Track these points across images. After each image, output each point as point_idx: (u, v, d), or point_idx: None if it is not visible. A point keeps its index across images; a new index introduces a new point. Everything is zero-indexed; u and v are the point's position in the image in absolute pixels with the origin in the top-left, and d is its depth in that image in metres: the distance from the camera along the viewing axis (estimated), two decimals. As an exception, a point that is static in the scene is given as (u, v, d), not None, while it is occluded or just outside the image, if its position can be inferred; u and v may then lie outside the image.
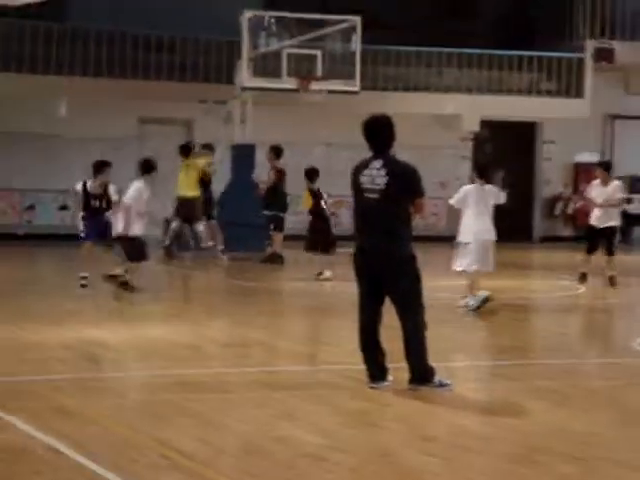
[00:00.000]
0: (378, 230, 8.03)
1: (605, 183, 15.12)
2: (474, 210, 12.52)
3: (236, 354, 9.85)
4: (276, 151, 18.39)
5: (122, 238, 13.51)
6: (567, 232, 25.38)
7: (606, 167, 15.41)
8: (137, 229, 13.51)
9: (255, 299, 14.44)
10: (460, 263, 12.58)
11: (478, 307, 12.37)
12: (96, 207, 13.83)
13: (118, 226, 13.49)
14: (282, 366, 9.25)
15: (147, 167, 13.90)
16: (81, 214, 14.00)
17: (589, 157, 25.89)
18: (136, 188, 13.54)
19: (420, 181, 8.18)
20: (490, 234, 12.59)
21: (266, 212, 18.22)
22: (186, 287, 16.19)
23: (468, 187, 12.87)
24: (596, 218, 15.21)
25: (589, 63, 24.28)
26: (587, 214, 26.34)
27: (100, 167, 13.86)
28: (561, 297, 14.63)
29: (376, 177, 8.04)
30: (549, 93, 24.38)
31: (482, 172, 12.87)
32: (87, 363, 9.22)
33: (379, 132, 8.10)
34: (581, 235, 25.41)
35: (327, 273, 15.55)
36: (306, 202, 16.38)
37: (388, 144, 8.12)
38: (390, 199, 7.99)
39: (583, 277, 15.14)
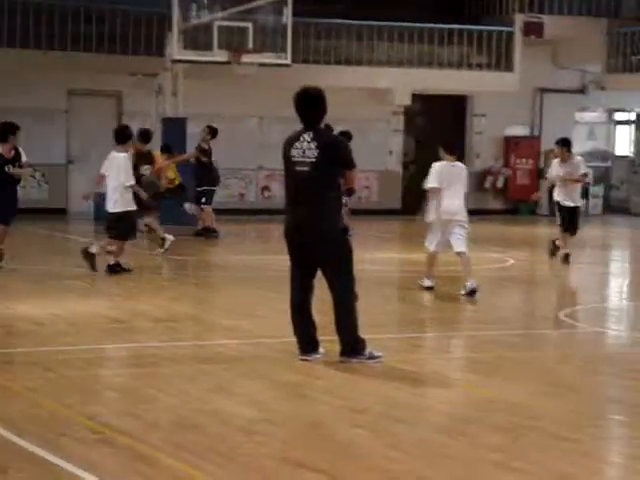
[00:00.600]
0: (309, 203, 8.05)
1: (564, 160, 15.04)
2: (446, 191, 11.70)
3: (167, 328, 9.82)
4: (214, 132, 18.24)
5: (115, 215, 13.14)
6: (497, 205, 25.63)
7: (564, 144, 15.18)
8: (123, 204, 13.09)
9: (187, 273, 14.39)
10: (429, 242, 12.05)
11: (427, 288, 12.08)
12: (9, 174, 13.15)
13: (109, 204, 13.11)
14: (213, 340, 9.24)
15: (124, 136, 13.25)
16: None
17: (519, 130, 26.15)
18: (119, 159, 12.98)
19: (350, 153, 8.21)
20: (461, 214, 11.80)
21: (197, 188, 18.12)
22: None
23: (438, 166, 11.88)
24: (560, 194, 15.11)
25: (519, 37, 24.45)
26: (516, 188, 26.60)
27: (11, 129, 13.18)
28: (491, 269, 14.79)
29: (307, 150, 8.05)
30: (479, 67, 24.52)
31: (451, 148, 11.98)
32: (13, 338, 9.12)
33: (310, 105, 8.10)
34: (510, 208, 25.85)
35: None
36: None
37: (319, 117, 8.13)
38: (320, 171, 8.00)
39: (566, 257, 14.94)
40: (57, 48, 21.03)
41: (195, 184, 18.15)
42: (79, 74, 21.41)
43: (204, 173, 18.12)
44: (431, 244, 12.09)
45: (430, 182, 11.89)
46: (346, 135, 18.51)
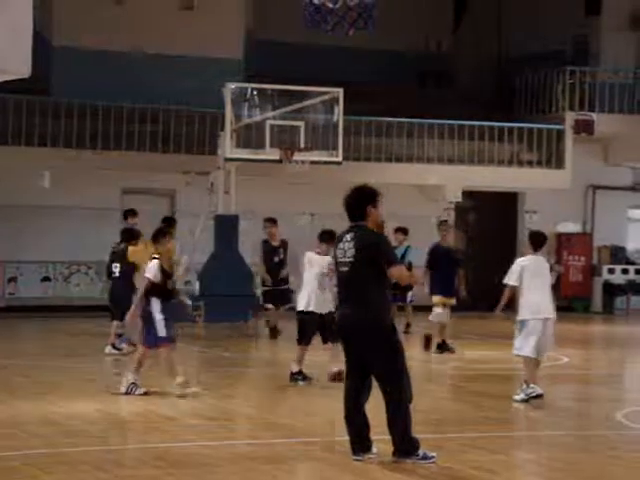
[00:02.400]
0: (351, 301, 8.08)
1: None
2: (531, 285, 11.03)
3: (219, 427, 9.74)
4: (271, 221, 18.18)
5: None
6: (550, 302, 25.38)
7: None
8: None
9: (236, 370, 14.33)
10: (520, 346, 11.18)
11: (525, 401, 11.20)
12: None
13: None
14: (267, 439, 9.15)
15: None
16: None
17: (571, 227, 26.04)
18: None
19: (390, 250, 8.21)
20: (550, 311, 11.17)
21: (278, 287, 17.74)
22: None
23: (523, 261, 11.23)
24: None
25: (569, 134, 24.52)
26: (569, 285, 26.34)
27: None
28: (545, 367, 14.56)
29: (347, 250, 8.11)
30: (530, 164, 24.57)
31: (538, 242, 11.26)
32: (66, 437, 9.09)
33: (353, 203, 8.17)
34: (563, 305, 25.55)
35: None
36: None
37: (361, 216, 8.15)
38: (359, 271, 8.02)
39: None
40: (112, 148, 21.41)
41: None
42: (133, 173, 21.75)
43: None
44: (525, 349, 11.14)
45: (511, 279, 11.18)
46: (402, 231, 18.55)
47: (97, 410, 10.28)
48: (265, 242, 18.03)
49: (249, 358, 15.78)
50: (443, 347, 15.61)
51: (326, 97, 20.12)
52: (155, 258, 11.28)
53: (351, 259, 8.02)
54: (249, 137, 19.96)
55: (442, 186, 23.80)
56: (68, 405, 10.53)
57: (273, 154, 19.56)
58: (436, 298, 15.73)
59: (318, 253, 12.27)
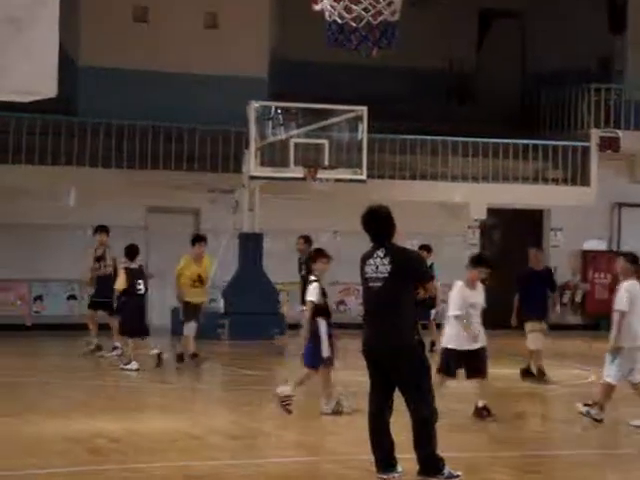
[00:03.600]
0: (383, 318, 8.03)
1: None
2: (634, 310, 10.63)
3: (243, 445, 9.72)
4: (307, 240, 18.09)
5: None
6: (576, 320, 25.25)
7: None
8: None
9: (260, 388, 14.31)
10: (612, 373, 10.73)
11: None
12: None
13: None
14: (290, 457, 9.12)
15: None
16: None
17: (597, 244, 25.90)
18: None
19: (425, 266, 8.27)
20: None
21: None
22: (188, 376, 16.04)
23: (630, 286, 10.84)
24: None
25: (594, 151, 24.43)
26: (595, 303, 26.17)
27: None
28: (573, 386, 14.48)
29: (379, 266, 8.07)
30: (555, 181, 24.48)
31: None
32: (91, 455, 9.10)
33: (379, 224, 8.15)
34: (589, 323, 25.43)
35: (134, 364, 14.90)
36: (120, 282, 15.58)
37: (389, 235, 8.15)
38: (394, 287, 8.00)
39: None
40: (137, 167, 21.50)
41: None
42: (158, 191, 21.83)
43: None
44: (613, 376, 10.75)
45: (622, 305, 10.78)
46: (426, 249, 18.49)
47: (122, 428, 10.29)
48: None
49: (273, 376, 15.75)
50: (539, 375, 14.54)
51: (350, 115, 20.17)
52: (314, 280, 11.33)
53: (385, 274, 8.00)
54: (273, 155, 20.02)
55: (466, 204, 23.75)
56: (92, 423, 10.55)
57: (297, 172, 19.60)
58: (532, 324, 14.76)
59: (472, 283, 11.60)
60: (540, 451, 10.01)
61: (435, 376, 10.60)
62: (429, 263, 18.34)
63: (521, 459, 9.50)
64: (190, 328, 15.43)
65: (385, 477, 8.04)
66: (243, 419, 11.13)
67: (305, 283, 17.65)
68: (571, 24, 25.88)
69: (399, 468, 8.12)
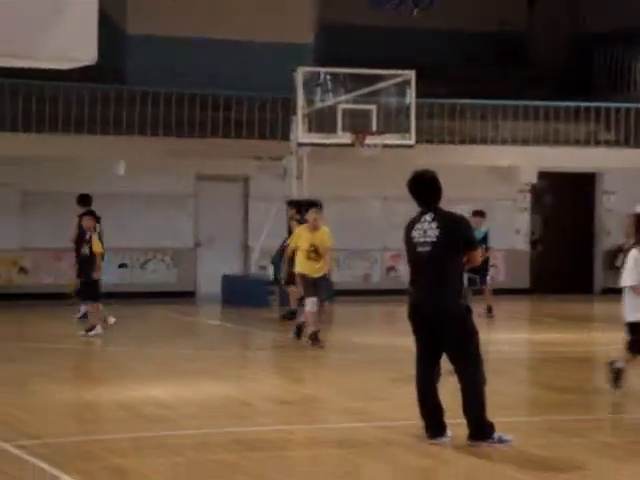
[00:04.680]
0: (431, 283, 7.97)
1: None
2: None
3: (292, 411, 9.74)
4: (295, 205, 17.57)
5: None
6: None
7: None
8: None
9: (310, 354, 14.32)
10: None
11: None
12: None
13: None
14: (339, 423, 9.12)
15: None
16: None
17: (650, 207, 25.51)
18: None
19: (472, 231, 8.20)
20: None
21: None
22: (239, 343, 16.12)
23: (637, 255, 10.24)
24: None
25: (648, 112, 24.02)
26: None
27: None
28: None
29: (428, 230, 8.01)
30: (607, 143, 24.13)
31: None
32: (142, 422, 9.17)
33: (426, 189, 8.09)
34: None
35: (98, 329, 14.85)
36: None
37: (435, 200, 8.10)
38: (442, 251, 7.94)
39: None
40: (186, 135, 21.54)
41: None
42: (207, 159, 21.86)
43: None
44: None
45: (628, 279, 10.28)
46: (480, 214, 18.29)
47: (173, 395, 10.36)
48: None
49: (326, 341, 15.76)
50: None
51: (398, 79, 19.99)
52: None
53: (433, 239, 7.95)
54: (321, 122, 19.92)
55: (517, 168, 23.51)
56: (143, 390, 10.63)
57: (345, 138, 19.50)
58: None
59: None
60: (599, 415, 9.90)
61: (625, 354, 10.27)
62: (484, 229, 18.16)
63: (570, 424, 9.42)
64: (310, 303, 13.94)
65: (435, 442, 8.02)
66: (293, 385, 11.15)
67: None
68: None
69: (449, 433, 8.09)
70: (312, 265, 14.06)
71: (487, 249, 17.33)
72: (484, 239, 17.47)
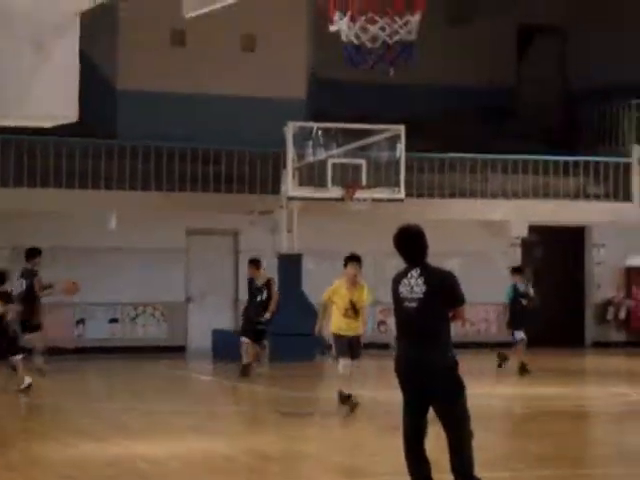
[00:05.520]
0: (418, 339, 7.95)
1: None
2: None
3: (281, 467, 9.68)
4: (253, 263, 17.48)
5: None
6: (620, 337, 24.97)
7: None
8: None
9: (301, 410, 14.25)
10: None
11: None
12: None
13: None
14: None
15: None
16: None
17: (640, 261, 25.61)
18: None
19: (459, 288, 8.11)
20: None
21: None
22: (232, 398, 16.05)
23: None
24: None
25: (636, 167, 24.19)
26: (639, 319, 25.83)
27: None
28: (615, 404, 14.29)
29: (414, 286, 7.99)
30: (597, 197, 24.27)
31: None
32: (129, 477, 9.10)
33: (410, 244, 8.09)
34: (633, 340, 25.13)
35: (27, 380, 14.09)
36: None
37: (421, 255, 8.08)
38: (429, 307, 7.92)
39: None
40: (177, 189, 21.60)
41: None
42: (197, 214, 21.92)
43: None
44: None
45: None
46: (518, 271, 18.60)
47: (162, 451, 10.28)
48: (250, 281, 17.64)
49: (313, 398, 15.69)
50: None
51: (388, 134, 20.14)
52: None
53: (420, 295, 7.91)
54: (311, 176, 20.04)
55: (507, 221, 23.61)
56: (132, 446, 10.56)
57: (335, 192, 19.60)
58: None
59: None
60: (590, 469, 9.86)
61: None
62: (522, 285, 18.64)
63: (565, 478, 9.37)
64: (343, 366, 13.01)
65: (423, 498, 7.95)
66: (282, 440, 11.08)
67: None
68: (611, 40, 25.69)
69: (436, 489, 8.03)
70: (349, 323, 13.01)
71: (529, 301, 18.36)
72: (522, 294, 18.51)
